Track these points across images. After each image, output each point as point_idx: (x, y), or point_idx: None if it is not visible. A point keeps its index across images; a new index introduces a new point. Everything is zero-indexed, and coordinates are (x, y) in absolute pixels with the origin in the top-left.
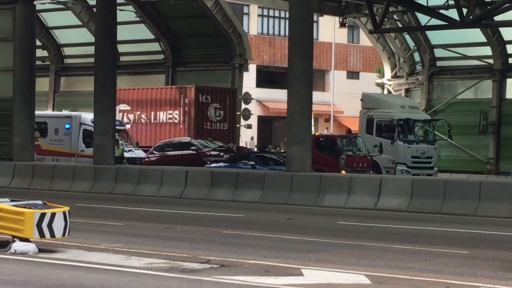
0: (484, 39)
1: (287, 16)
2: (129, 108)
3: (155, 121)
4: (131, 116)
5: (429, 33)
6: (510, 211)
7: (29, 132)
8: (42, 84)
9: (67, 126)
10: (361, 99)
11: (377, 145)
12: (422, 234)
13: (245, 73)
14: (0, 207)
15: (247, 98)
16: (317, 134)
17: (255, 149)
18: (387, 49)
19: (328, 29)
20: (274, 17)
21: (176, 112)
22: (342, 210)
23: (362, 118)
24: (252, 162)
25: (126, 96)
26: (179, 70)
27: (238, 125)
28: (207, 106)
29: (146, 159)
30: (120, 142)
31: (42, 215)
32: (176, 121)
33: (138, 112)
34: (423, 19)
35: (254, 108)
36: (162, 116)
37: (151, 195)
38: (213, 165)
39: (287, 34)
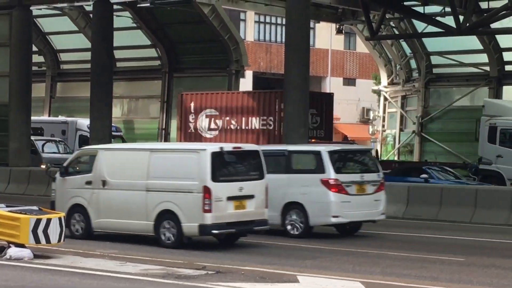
0: (480, 46)
1: (284, 22)
2: (216, 113)
3: (247, 128)
4: (219, 122)
5: (425, 40)
6: (506, 218)
7: (25, 138)
8: (38, 90)
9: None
10: (483, 106)
11: (501, 155)
12: (418, 241)
13: (241, 80)
14: None
15: None
16: (313, 140)
17: None
18: (384, 56)
19: (325, 35)
20: (270, 23)
21: (271, 118)
22: None
23: (483, 125)
24: (425, 176)
25: (214, 100)
26: (176, 76)
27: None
28: None
29: None
30: None
31: (38, 221)
32: (271, 128)
33: (228, 118)
34: (420, 26)
35: None
36: (255, 122)
37: None
38: None
39: (283, 40)
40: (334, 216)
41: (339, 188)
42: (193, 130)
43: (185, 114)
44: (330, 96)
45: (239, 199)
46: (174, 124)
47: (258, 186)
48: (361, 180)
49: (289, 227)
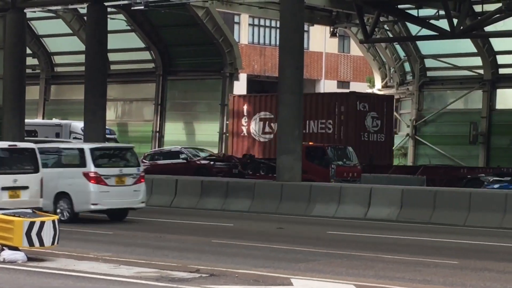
0: (474, 50)
1: (278, 25)
2: (272, 116)
3: (304, 131)
4: (274, 126)
5: (419, 43)
6: (500, 221)
7: (18, 141)
8: (32, 92)
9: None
10: None
11: None
12: (412, 244)
13: (235, 82)
14: None
15: None
16: (310, 143)
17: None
18: (378, 59)
19: (319, 38)
20: (264, 26)
21: (330, 121)
22: (331, 220)
23: None
24: None
25: (269, 103)
26: (170, 79)
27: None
28: (364, 115)
29: None
30: None
31: (32, 224)
32: (330, 132)
33: None
34: (414, 29)
35: None
36: (313, 125)
37: None
38: (496, 186)
39: (277, 43)
40: (93, 204)
41: (98, 179)
42: (246, 134)
43: (237, 117)
44: (391, 98)
45: (13, 189)
46: (168, 126)
47: (32, 178)
48: (120, 173)
49: (59, 214)
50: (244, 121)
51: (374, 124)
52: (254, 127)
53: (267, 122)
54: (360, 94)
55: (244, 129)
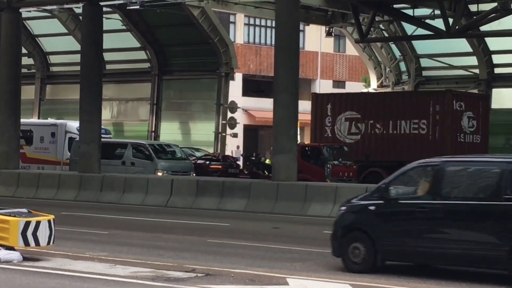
0: (470, 49)
1: (274, 25)
2: (358, 115)
3: (395, 132)
4: (361, 126)
5: (415, 43)
6: None
7: (14, 141)
8: (28, 92)
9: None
10: None
11: None
12: None
13: (231, 82)
14: None
15: (233, 107)
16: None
17: (241, 158)
18: (373, 59)
19: (315, 38)
20: (260, 26)
21: (424, 121)
22: (327, 219)
23: None
24: None
25: (356, 101)
26: (165, 78)
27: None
28: (460, 115)
29: None
30: None
31: (27, 223)
32: (423, 132)
33: (371, 121)
34: (409, 28)
35: (240, 117)
36: (405, 126)
37: (136, 204)
38: None
39: (273, 43)
40: None
41: None
42: (329, 135)
43: (320, 117)
44: (487, 97)
45: None
46: (163, 126)
47: None
48: None
49: None
50: (327, 121)
51: (470, 125)
52: (339, 127)
53: (353, 122)
54: (456, 92)
55: (328, 129)
